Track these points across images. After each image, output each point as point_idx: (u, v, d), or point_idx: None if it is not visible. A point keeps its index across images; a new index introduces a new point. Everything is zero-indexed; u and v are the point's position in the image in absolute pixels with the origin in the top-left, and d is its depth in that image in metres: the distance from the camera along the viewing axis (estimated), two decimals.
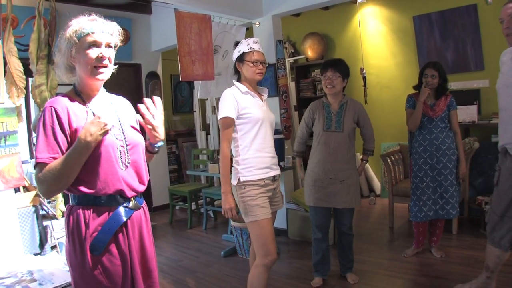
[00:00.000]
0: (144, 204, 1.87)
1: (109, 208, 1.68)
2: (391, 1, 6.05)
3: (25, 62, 3.13)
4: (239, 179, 2.59)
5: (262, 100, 2.74)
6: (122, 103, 1.93)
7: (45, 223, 3.36)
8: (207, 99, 6.64)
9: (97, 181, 1.63)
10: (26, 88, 3.14)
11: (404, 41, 5.97)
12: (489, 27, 5.15)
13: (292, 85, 6.59)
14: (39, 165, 1.57)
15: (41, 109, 3.21)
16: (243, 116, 2.59)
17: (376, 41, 6.27)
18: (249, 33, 5.18)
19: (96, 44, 1.66)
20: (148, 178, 1.88)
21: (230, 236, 4.73)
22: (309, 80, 6.71)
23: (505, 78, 2.58)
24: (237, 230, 4.14)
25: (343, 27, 6.60)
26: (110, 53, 1.71)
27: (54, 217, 3.41)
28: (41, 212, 3.44)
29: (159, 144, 1.91)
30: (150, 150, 1.94)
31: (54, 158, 1.57)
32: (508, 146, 2.58)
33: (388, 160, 4.84)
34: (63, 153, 1.58)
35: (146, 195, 6.03)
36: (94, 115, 1.68)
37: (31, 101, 4.41)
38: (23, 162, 3.05)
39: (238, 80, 2.75)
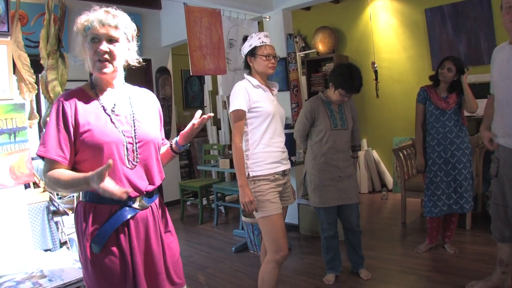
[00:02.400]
0: (155, 204, 1.79)
1: (110, 206, 1.63)
2: None
3: (35, 59, 3.14)
4: (248, 174, 2.56)
5: (273, 95, 2.72)
6: (143, 97, 1.87)
7: (55, 219, 3.37)
8: (217, 94, 6.63)
9: None
10: (36, 83, 3.14)
11: (416, 35, 5.90)
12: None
13: (303, 79, 6.55)
14: (47, 161, 1.58)
15: (50, 105, 3.23)
16: (254, 109, 2.57)
17: (388, 35, 6.20)
18: (259, 27, 5.14)
19: (97, 38, 1.61)
20: (163, 177, 1.84)
21: (241, 231, 4.72)
22: (320, 74, 6.64)
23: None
24: (248, 226, 4.13)
25: (354, 21, 6.53)
26: (114, 48, 1.63)
27: (64, 213, 3.41)
28: (52, 208, 3.45)
29: (186, 145, 1.94)
30: (175, 150, 1.93)
31: (59, 155, 1.56)
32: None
33: (401, 155, 4.78)
34: (63, 148, 1.57)
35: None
36: (104, 109, 1.66)
37: (41, 97, 4.44)
38: (33, 159, 3.04)
39: (249, 74, 2.73)
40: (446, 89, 3.55)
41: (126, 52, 1.71)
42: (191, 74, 4.14)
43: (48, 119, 1.62)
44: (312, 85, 6.67)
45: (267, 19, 4.89)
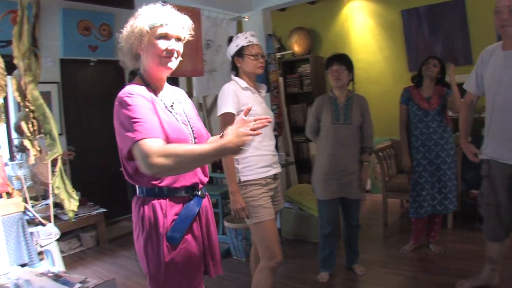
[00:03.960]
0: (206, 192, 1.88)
1: (183, 198, 1.70)
2: None
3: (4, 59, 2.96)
4: (239, 179, 2.49)
5: (261, 97, 2.65)
6: (182, 94, 1.91)
7: (30, 229, 3.18)
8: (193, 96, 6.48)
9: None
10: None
11: (392, 36, 5.94)
12: (477, 21, 5.16)
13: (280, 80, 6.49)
14: (150, 140, 1.48)
15: (24, 109, 3.04)
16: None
17: (364, 36, 6.22)
18: (238, 27, 5.05)
19: (166, 36, 1.64)
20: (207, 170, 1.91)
21: (222, 237, 4.60)
22: (296, 75, 6.59)
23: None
24: (231, 231, 4.02)
25: (330, 22, 6.52)
26: (179, 47, 1.69)
27: (40, 223, 3.23)
28: (26, 218, 3.25)
29: None
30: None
31: (161, 137, 1.53)
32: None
33: (381, 155, 4.79)
34: (160, 134, 1.54)
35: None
36: (167, 108, 1.69)
37: (10, 100, 4.21)
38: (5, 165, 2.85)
39: (236, 75, 2.64)
40: (431, 88, 3.57)
41: None
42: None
43: (125, 110, 1.53)
44: (288, 86, 6.60)
45: (247, 19, 4.80)
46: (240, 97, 2.49)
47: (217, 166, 4.80)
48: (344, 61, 3.21)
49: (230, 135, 1.49)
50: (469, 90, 2.89)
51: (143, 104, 1.56)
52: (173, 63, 1.68)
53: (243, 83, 2.56)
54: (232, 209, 2.45)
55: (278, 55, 6.71)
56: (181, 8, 4.04)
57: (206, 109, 5.76)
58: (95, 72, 5.64)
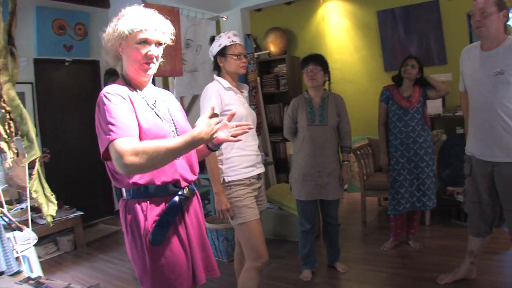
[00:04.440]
0: (196, 191, 1.87)
1: (165, 198, 1.67)
2: None
3: None
4: (224, 179, 2.47)
5: (243, 97, 2.64)
6: (168, 96, 1.92)
7: (7, 235, 3.07)
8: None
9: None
10: None
11: (368, 36, 6.00)
12: (450, 23, 5.28)
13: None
14: (123, 139, 1.48)
15: (0, 110, 2.94)
16: (227, 113, 2.45)
17: (340, 36, 6.26)
18: (217, 27, 5.02)
19: (146, 41, 1.64)
20: (198, 169, 1.89)
21: None
22: (272, 75, 6.59)
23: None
24: (213, 232, 3.99)
25: (306, 22, 6.54)
26: (159, 52, 1.69)
27: (17, 228, 3.12)
28: (2, 223, 3.15)
29: (220, 144, 1.93)
30: (211, 148, 1.93)
31: (136, 135, 1.54)
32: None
33: (359, 153, 4.84)
34: (135, 130, 1.55)
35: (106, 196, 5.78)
36: (148, 105, 1.69)
37: None
38: None
39: (219, 75, 2.62)
40: (411, 88, 3.63)
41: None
42: None
43: (102, 111, 1.55)
44: (263, 86, 6.58)
45: (225, 19, 4.79)
46: (223, 97, 2.48)
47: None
48: (319, 61, 3.24)
49: (200, 125, 1.54)
50: (461, 91, 2.98)
51: (119, 103, 1.56)
52: (152, 70, 1.70)
53: (226, 83, 2.55)
54: (216, 210, 2.43)
55: (255, 55, 6.71)
56: (160, 7, 4.04)
57: (184, 108, 5.71)
58: (70, 72, 5.52)
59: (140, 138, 1.55)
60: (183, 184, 1.72)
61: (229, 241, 3.94)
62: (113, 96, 1.57)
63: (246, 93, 2.70)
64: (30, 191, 3.04)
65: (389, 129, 3.73)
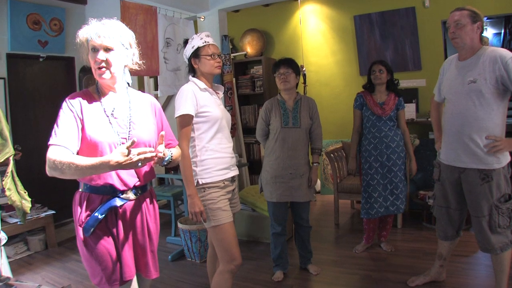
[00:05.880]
0: (148, 194, 2.05)
1: (102, 196, 1.86)
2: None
3: None
4: (197, 181, 2.46)
5: (219, 98, 2.63)
6: (142, 102, 2.06)
7: None
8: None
9: None
10: None
11: (345, 40, 6.07)
12: (426, 29, 5.39)
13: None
14: (56, 149, 1.70)
15: None
16: (202, 114, 2.47)
17: (317, 39, 6.32)
18: (194, 27, 5.00)
19: (95, 48, 1.80)
20: (153, 176, 2.09)
21: (175, 238, 4.56)
22: (247, 76, 6.59)
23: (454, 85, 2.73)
24: (185, 233, 3.98)
25: (283, 24, 6.58)
26: (110, 56, 1.81)
27: None
28: None
29: (166, 159, 1.96)
30: (160, 164, 2.02)
31: (69, 145, 1.72)
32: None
33: (332, 156, 4.89)
34: (72, 139, 1.74)
35: None
36: (104, 111, 1.86)
37: None
38: None
39: (194, 77, 2.61)
40: (384, 92, 3.68)
41: (125, 58, 1.90)
42: None
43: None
44: (239, 87, 6.58)
45: (202, 19, 4.78)
46: (198, 98, 2.47)
47: (170, 168, 4.73)
48: (290, 64, 3.29)
49: (114, 152, 1.66)
50: (434, 99, 3.08)
51: (67, 113, 1.78)
52: (107, 74, 1.84)
53: (202, 84, 2.53)
54: (190, 213, 2.41)
55: (231, 56, 6.71)
56: (137, 6, 4.01)
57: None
58: (44, 68, 5.40)
59: (82, 144, 1.78)
60: (121, 188, 1.89)
61: (202, 242, 3.93)
62: (67, 105, 1.80)
63: (221, 94, 2.69)
64: (3, 188, 2.98)
65: (363, 134, 3.78)
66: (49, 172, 1.70)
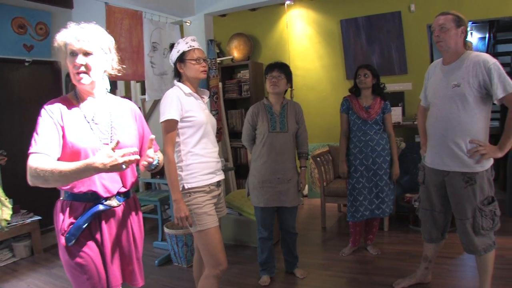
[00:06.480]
0: (132, 200, 2.04)
1: (84, 203, 1.83)
2: (319, 4, 6.15)
3: None
4: (183, 186, 2.46)
5: (204, 103, 2.63)
6: (122, 107, 2.04)
7: None
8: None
9: None
10: None
11: (331, 44, 6.10)
12: (411, 33, 5.45)
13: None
14: (36, 157, 1.65)
15: None
16: (187, 119, 2.46)
17: (303, 43, 6.34)
18: (180, 32, 5.00)
19: (73, 52, 1.77)
20: (133, 180, 2.04)
21: (162, 243, 4.54)
22: (234, 81, 6.58)
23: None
24: (172, 238, 3.96)
25: (270, 29, 6.59)
26: (89, 61, 1.79)
27: None
28: None
29: (154, 163, 1.99)
30: (148, 169, 2.04)
31: (50, 153, 1.68)
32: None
33: (319, 160, 4.91)
34: (53, 147, 1.70)
35: None
36: (84, 117, 1.83)
37: None
38: None
39: (179, 82, 2.61)
40: (370, 97, 3.71)
41: (104, 63, 1.88)
42: None
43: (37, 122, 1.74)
44: (226, 92, 6.57)
45: (188, 24, 4.77)
46: (183, 103, 2.46)
47: (156, 172, 4.71)
48: (284, 69, 3.30)
49: (98, 154, 1.62)
50: (420, 104, 3.12)
51: (47, 120, 1.74)
52: (86, 79, 1.80)
53: (187, 89, 2.53)
54: (175, 217, 2.41)
55: (218, 60, 6.71)
56: (122, 10, 4.00)
57: (145, 113, 5.65)
58: (30, 73, 5.36)
59: (63, 150, 1.74)
60: (105, 195, 1.86)
61: (188, 246, 3.92)
62: (46, 112, 1.75)
63: (207, 98, 2.68)
64: None
65: (349, 138, 3.80)
66: (31, 181, 1.64)
